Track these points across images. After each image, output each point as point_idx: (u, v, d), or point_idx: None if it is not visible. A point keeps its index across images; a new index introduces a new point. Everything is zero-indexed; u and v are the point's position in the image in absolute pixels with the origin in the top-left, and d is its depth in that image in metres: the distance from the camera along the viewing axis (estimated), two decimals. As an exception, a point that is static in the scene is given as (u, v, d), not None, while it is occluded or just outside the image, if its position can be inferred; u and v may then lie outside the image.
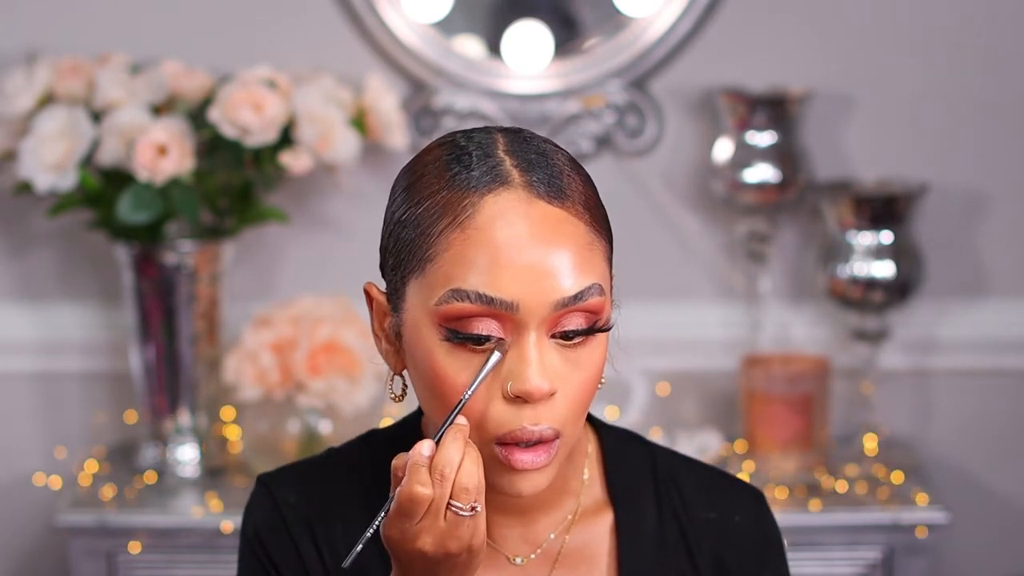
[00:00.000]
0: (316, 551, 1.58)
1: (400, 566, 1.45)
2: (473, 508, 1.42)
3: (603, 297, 1.45)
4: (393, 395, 1.53)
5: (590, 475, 1.60)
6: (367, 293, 1.54)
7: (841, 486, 2.79)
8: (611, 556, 1.59)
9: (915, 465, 2.90)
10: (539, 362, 1.43)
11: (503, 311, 1.42)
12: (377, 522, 1.43)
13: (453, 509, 1.42)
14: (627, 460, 1.62)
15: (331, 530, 1.58)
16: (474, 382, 1.43)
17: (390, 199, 1.52)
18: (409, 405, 1.60)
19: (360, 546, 1.42)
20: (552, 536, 1.58)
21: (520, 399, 1.43)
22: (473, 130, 1.52)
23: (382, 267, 1.53)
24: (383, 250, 1.52)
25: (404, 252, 1.47)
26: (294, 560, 1.57)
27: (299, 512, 1.58)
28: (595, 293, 1.44)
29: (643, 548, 1.59)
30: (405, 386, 1.53)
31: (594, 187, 1.51)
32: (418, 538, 1.42)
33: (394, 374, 1.53)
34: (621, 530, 1.58)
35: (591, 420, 1.63)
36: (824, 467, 2.84)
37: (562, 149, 1.52)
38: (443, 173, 1.47)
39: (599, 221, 1.48)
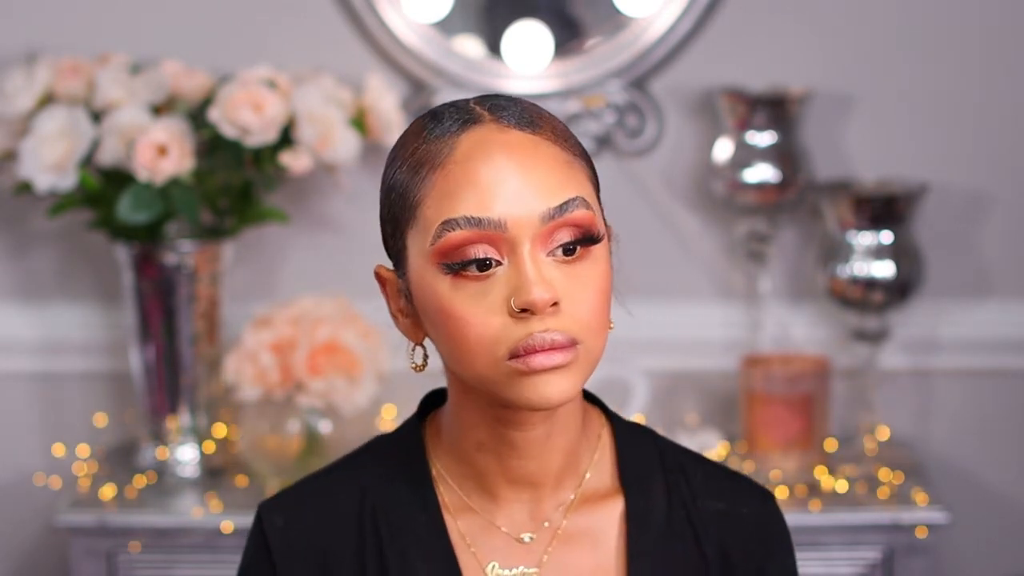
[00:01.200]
0: (304, 570, 1.60)
1: None
2: None
3: (589, 211, 1.50)
4: (414, 365, 1.58)
5: (601, 459, 1.63)
6: (378, 276, 1.59)
7: (841, 486, 2.79)
8: (620, 540, 1.61)
9: (915, 465, 2.90)
10: (537, 274, 1.47)
11: (493, 231, 1.47)
12: None
13: None
14: (638, 449, 1.65)
15: (321, 545, 1.60)
16: None
17: (381, 182, 1.58)
18: (414, 401, 1.60)
19: None
20: (553, 517, 1.60)
21: (526, 312, 1.47)
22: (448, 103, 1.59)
23: (386, 246, 1.57)
24: (382, 225, 1.57)
25: (397, 211, 1.53)
26: None
27: (285, 535, 1.62)
28: (579, 205, 1.50)
29: (652, 533, 1.61)
30: (426, 356, 1.57)
31: (571, 132, 1.57)
32: None
33: (415, 345, 1.57)
34: (631, 514, 1.60)
35: (604, 409, 1.66)
36: (824, 467, 2.84)
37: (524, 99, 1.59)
38: (419, 133, 1.54)
39: (576, 148, 1.54)
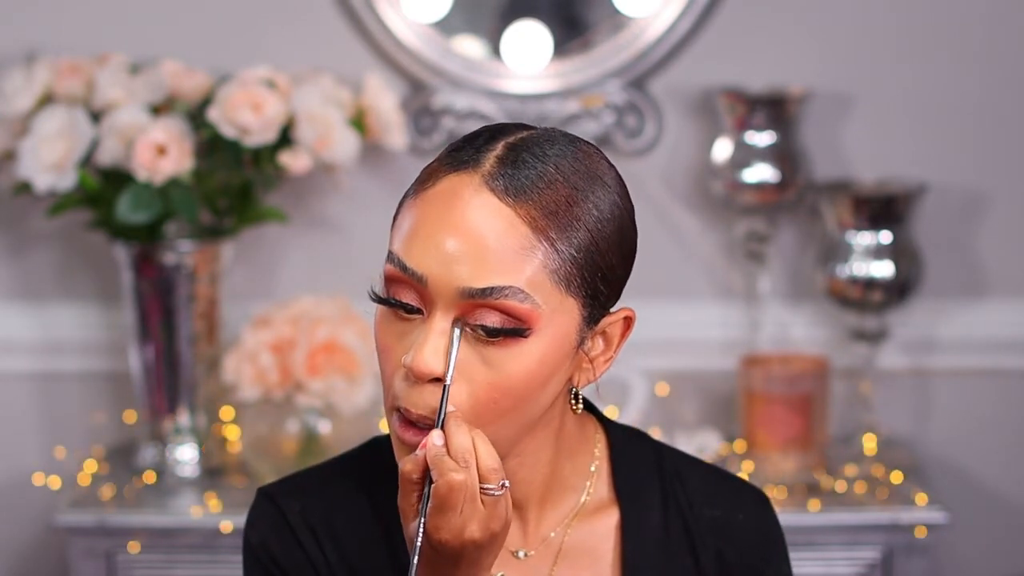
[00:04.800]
0: (324, 557, 1.58)
1: (445, 564, 1.44)
2: (503, 485, 1.44)
3: (528, 306, 1.44)
4: None
5: (598, 473, 1.61)
6: None
7: (840, 486, 2.79)
8: (615, 552, 1.60)
9: (914, 465, 2.90)
10: (432, 344, 1.44)
11: (415, 282, 1.45)
12: (421, 530, 1.43)
13: (486, 491, 1.43)
14: (633, 458, 1.63)
15: (336, 536, 1.59)
16: (449, 365, 1.44)
17: None
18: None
19: (416, 561, 1.43)
20: (554, 533, 1.59)
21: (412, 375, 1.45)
22: (521, 124, 1.53)
23: None
24: None
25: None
26: (305, 565, 1.58)
27: (304, 519, 1.59)
28: (511, 296, 1.43)
29: (647, 544, 1.60)
30: None
31: (584, 216, 1.48)
32: (465, 528, 1.42)
33: None
34: (626, 526, 1.59)
35: (599, 418, 1.64)
36: (823, 467, 2.84)
37: (581, 167, 1.49)
38: (447, 149, 1.51)
39: (560, 236, 1.46)
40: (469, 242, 1.44)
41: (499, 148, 1.48)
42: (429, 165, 1.50)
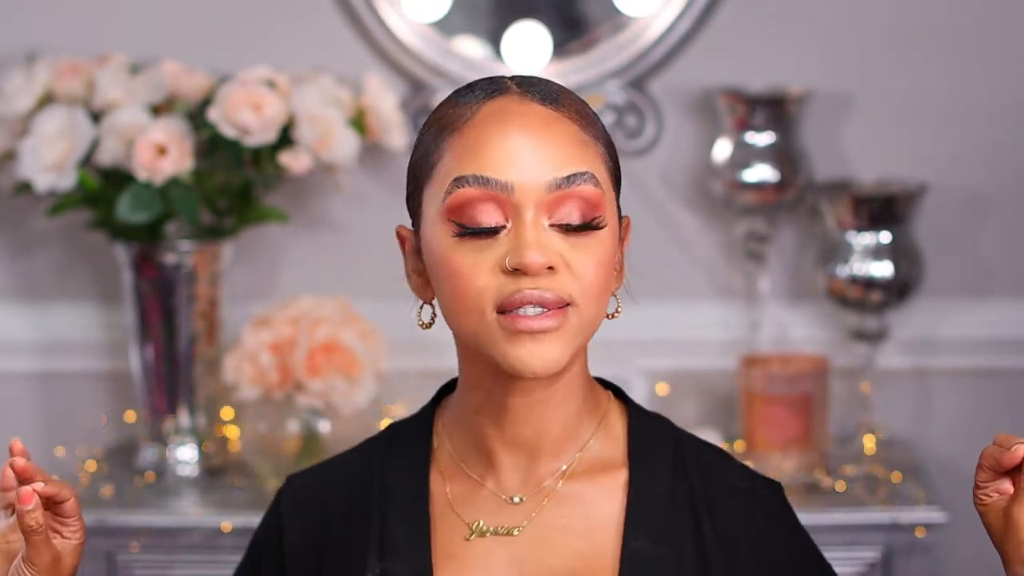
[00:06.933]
0: (304, 527, 1.68)
1: None
2: None
3: (599, 189, 1.56)
4: (421, 323, 1.64)
5: (607, 433, 1.66)
6: (399, 235, 1.66)
7: (840, 486, 2.79)
8: (618, 507, 1.63)
9: (914, 465, 2.91)
10: (536, 239, 1.53)
11: (500, 192, 1.53)
12: None
13: None
14: (650, 429, 1.69)
15: (322, 508, 1.69)
16: None
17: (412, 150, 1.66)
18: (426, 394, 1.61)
19: None
20: (548, 481, 1.64)
21: (520, 272, 1.52)
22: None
23: (407, 205, 1.64)
24: (406, 184, 1.64)
25: (418, 170, 1.62)
26: (275, 534, 1.70)
27: (295, 496, 1.71)
28: (588, 180, 1.55)
29: (652, 503, 1.63)
30: (434, 315, 1.63)
31: (597, 119, 1.62)
32: None
33: (423, 303, 1.64)
34: (633, 483, 1.64)
35: (619, 393, 1.71)
36: (823, 467, 2.84)
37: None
38: (449, 100, 1.62)
39: (598, 134, 1.60)
40: (540, 141, 1.55)
41: (509, 79, 1.61)
42: (447, 108, 1.59)
